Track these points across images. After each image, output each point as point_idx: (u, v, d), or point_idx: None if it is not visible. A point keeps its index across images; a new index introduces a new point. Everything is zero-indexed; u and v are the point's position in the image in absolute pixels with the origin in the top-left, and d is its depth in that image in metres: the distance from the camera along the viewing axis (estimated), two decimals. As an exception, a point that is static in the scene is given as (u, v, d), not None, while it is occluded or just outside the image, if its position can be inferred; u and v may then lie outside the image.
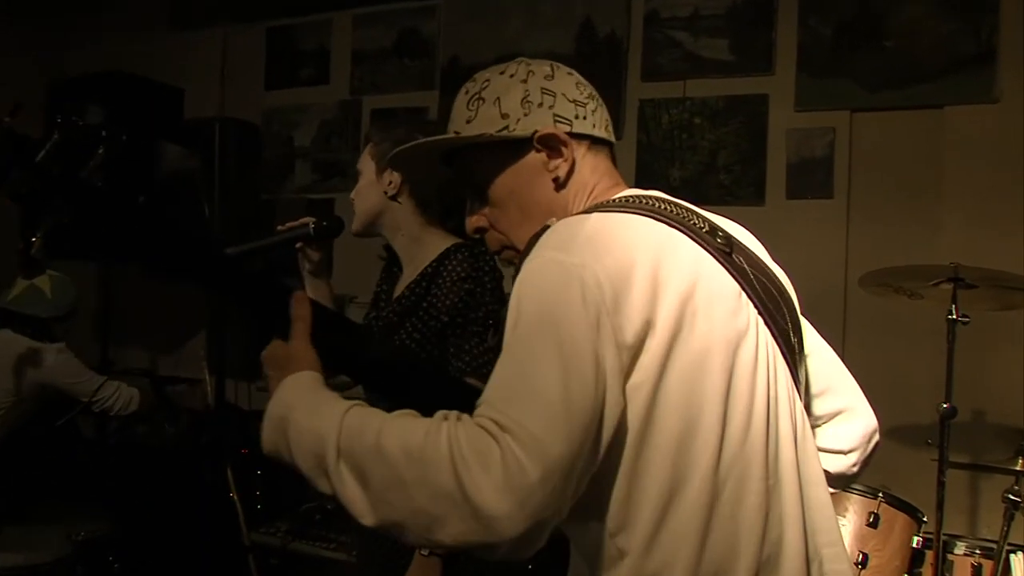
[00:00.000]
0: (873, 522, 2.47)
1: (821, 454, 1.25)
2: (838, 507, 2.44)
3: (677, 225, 1.12)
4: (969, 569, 2.51)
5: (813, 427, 1.26)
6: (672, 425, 1.02)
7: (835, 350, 1.37)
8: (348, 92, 4.29)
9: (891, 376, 3.09)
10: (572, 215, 1.17)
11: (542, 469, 0.87)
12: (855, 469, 1.36)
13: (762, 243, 1.31)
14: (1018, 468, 2.49)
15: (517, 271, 1.08)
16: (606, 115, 1.27)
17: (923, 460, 2.69)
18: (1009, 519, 2.43)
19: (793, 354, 1.19)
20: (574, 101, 1.22)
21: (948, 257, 2.53)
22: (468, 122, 1.23)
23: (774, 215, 3.37)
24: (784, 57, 3.42)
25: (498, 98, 1.21)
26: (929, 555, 2.48)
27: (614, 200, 1.17)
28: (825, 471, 1.22)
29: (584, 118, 1.23)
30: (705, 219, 1.18)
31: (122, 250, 1.11)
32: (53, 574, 3.04)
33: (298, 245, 1.92)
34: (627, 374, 1.00)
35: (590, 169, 1.23)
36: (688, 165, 3.56)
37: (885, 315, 3.10)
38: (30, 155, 1.02)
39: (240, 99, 4.45)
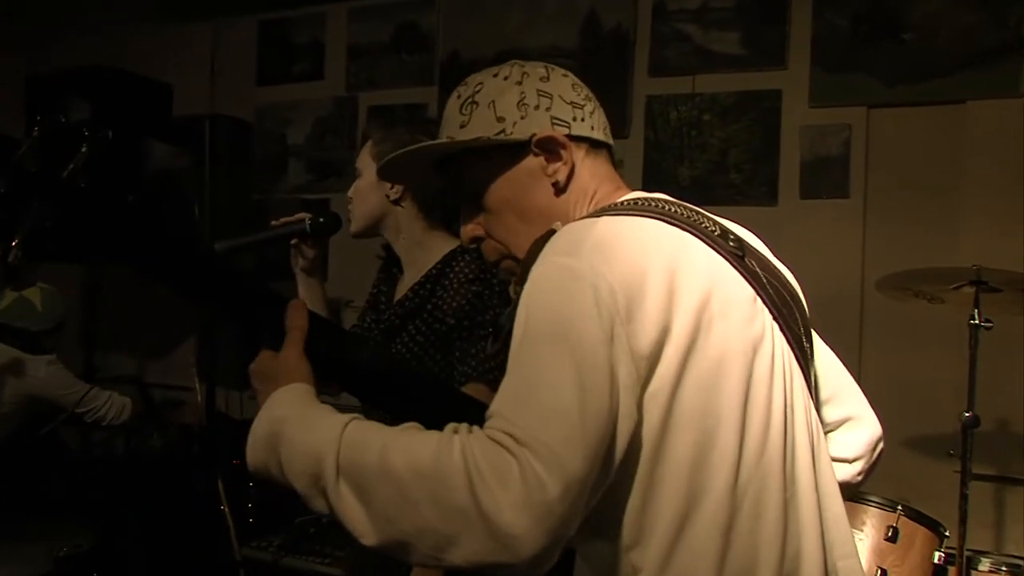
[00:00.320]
0: (892, 536, 2.45)
1: None
2: (855, 520, 2.43)
3: (689, 228, 1.12)
4: (994, 586, 2.50)
5: None
6: (689, 435, 1.02)
7: (851, 357, 1.38)
8: (344, 88, 4.29)
9: (910, 384, 3.09)
10: (573, 220, 1.16)
11: (562, 485, 0.87)
12: (859, 478, 1.38)
13: (774, 245, 1.31)
14: (1045, 480, 2.48)
15: (521, 279, 1.08)
16: (604, 117, 1.28)
17: (945, 472, 2.69)
18: (1035, 534, 2.42)
19: (806, 360, 1.20)
20: (571, 103, 1.23)
21: (970, 259, 2.53)
22: (462, 127, 1.23)
23: (787, 216, 3.37)
24: (798, 51, 3.40)
25: (492, 101, 1.22)
26: (952, 571, 2.47)
27: (621, 203, 1.17)
28: None
29: (582, 120, 1.23)
30: (716, 222, 1.18)
31: (105, 253, 1.09)
32: (33, 592, 3.03)
33: (293, 242, 1.92)
34: (643, 384, 1.00)
35: (590, 173, 1.24)
36: (697, 164, 3.55)
37: (904, 320, 3.09)
38: (6, 154, 1.01)
39: (231, 95, 4.45)
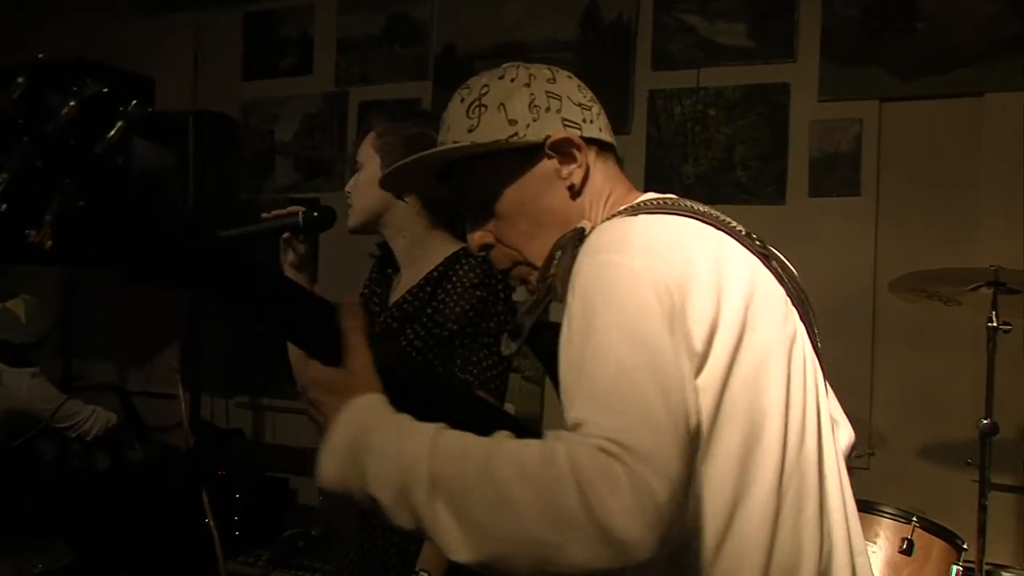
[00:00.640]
0: (907, 549, 2.44)
1: None
2: (867, 532, 2.42)
3: (721, 228, 1.15)
4: (1016, 601, 2.49)
5: None
6: (737, 431, 1.06)
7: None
8: (333, 83, 4.29)
9: (925, 390, 3.10)
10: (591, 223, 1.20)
11: (669, 488, 0.89)
12: None
13: (782, 246, 1.32)
14: (1067, 490, 2.47)
15: (542, 284, 1.14)
16: (606, 119, 1.31)
17: (962, 482, 2.70)
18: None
19: (821, 360, 1.24)
20: (579, 104, 1.26)
21: (987, 259, 2.54)
22: (470, 131, 1.24)
23: (796, 215, 3.36)
24: (807, 42, 3.40)
25: (502, 103, 1.23)
26: (970, 587, 2.46)
27: (644, 203, 1.19)
28: None
29: (591, 122, 1.26)
30: (737, 223, 1.21)
31: (137, 244, 1.01)
32: (7, 611, 3.03)
33: (284, 236, 1.91)
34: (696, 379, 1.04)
35: (603, 175, 1.26)
36: (702, 161, 3.55)
37: (918, 324, 3.09)
38: (40, 123, 0.95)
39: (216, 90, 4.44)
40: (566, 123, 1.23)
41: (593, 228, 1.16)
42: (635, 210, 1.17)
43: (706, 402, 1.03)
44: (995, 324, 2.47)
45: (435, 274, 1.87)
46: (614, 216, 1.18)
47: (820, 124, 3.37)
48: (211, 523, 3.04)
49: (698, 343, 1.02)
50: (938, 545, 2.47)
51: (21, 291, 3.58)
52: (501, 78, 1.25)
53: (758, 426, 1.07)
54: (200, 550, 3.06)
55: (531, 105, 1.23)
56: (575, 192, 1.24)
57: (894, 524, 2.47)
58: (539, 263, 1.22)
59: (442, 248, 1.90)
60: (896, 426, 3.13)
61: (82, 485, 3.80)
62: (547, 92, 1.24)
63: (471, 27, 3.96)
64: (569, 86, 1.26)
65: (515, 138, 1.22)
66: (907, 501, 2.50)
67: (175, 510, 3.38)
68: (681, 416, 0.94)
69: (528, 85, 1.24)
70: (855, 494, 1.25)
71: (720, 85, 3.52)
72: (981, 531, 2.41)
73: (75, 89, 0.97)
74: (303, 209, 1.90)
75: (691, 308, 1.02)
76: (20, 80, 0.94)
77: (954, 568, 2.47)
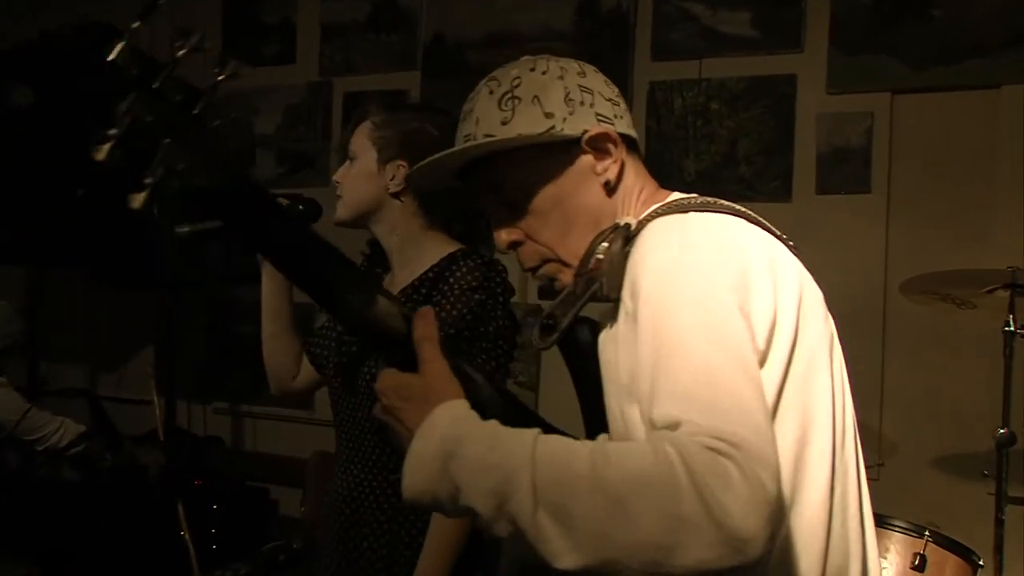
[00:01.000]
0: (919, 565, 2.43)
1: None
2: (877, 546, 2.40)
3: (763, 226, 1.21)
4: (1033, 620, 2.48)
5: None
6: (791, 430, 1.10)
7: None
8: (317, 73, 4.29)
9: (939, 397, 3.11)
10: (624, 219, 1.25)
11: (775, 480, 0.92)
12: None
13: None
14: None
15: (581, 280, 1.18)
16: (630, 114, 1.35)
17: (978, 494, 2.71)
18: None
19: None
20: (609, 100, 1.29)
21: (1004, 260, 2.56)
22: (504, 123, 1.25)
23: (803, 212, 3.36)
24: (814, 31, 3.40)
25: (536, 96, 1.25)
26: (986, 604, 2.45)
27: (688, 201, 1.22)
28: None
29: (621, 117, 1.29)
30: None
31: (232, 210, 1.05)
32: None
33: None
34: None
35: (633, 171, 1.30)
36: (704, 156, 3.55)
37: (931, 327, 3.08)
38: (149, 80, 0.95)
39: (193, 80, 4.39)
40: (599, 118, 1.26)
41: (638, 224, 1.19)
42: (683, 208, 1.20)
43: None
44: (1012, 328, 2.50)
45: (430, 275, 1.87)
46: (657, 214, 1.21)
47: (828, 117, 3.37)
48: (187, 536, 3.02)
49: (761, 342, 1.07)
50: (952, 561, 2.46)
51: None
52: (532, 70, 1.28)
53: (809, 425, 1.12)
54: (175, 565, 3.04)
55: (566, 99, 1.25)
56: (610, 188, 1.27)
57: (905, 538, 2.47)
58: (573, 260, 1.25)
59: (437, 249, 1.90)
60: (907, 435, 3.13)
61: (48, 497, 3.77)
62: (580, 86, 1.27)
63: (461, 15, 3.95)
64: (598, 80, 1.30)
65: (552, 132, 1.24)
66: (919, 514, 2.50)
67: (148, 523, 3.37)
68: (769, 410, 1.01)
69: (561, 78, 1.27)
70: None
71: (723, 76, 3.52)
72: (998, 547, 2.43)
73: (178, 43, 0.98)
74: (287, 202, 1.91)
75: (753, 307, 1.07)
76: (136, 25, 0.94)
77: (969, 585, 2.48)
